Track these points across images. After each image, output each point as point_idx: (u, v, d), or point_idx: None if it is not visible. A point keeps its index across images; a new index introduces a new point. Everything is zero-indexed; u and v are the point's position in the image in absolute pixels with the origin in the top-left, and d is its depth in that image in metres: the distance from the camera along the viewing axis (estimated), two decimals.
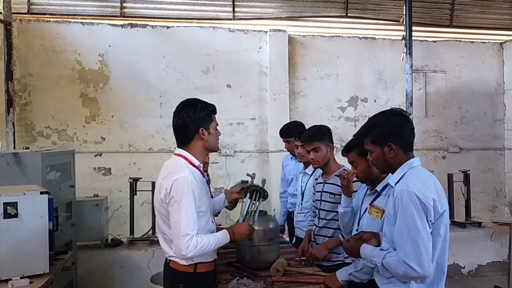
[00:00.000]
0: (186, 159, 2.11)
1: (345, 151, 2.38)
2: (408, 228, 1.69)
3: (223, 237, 2.12)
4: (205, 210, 2.11)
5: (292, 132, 3.70)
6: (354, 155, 2.30)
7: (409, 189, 1.71)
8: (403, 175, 1.82)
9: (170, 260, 2.12)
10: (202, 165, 2.18)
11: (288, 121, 4.02)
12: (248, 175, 2.54)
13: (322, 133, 2.79)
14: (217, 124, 2.22)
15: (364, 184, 2.41)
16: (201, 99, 2.21)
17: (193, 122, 2.10)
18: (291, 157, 3.90)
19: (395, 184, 1.82)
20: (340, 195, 2.68)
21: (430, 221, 1.70)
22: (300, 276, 2.45)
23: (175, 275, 2.10)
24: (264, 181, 2.57)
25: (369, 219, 2.21)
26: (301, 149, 3.28)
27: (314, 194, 2.96)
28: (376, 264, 1.82)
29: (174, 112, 2.16)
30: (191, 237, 1.95)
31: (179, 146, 2.17)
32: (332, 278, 2.19)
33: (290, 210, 3.88)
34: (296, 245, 3.23)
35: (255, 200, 2.40)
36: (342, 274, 2.18)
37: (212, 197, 3.35)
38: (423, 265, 1.67)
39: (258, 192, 2.39)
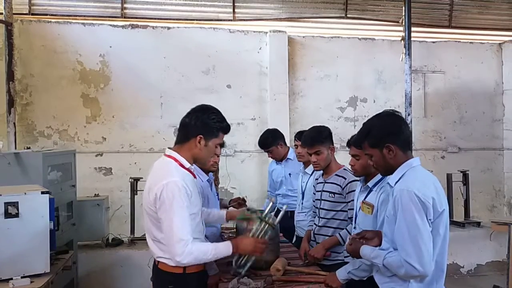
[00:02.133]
0: (176, 160, 2.05)
1: (352, 143, 2.36)
2: (408, 227, 1.70)
3: (223, 247, 2.05)
4: (196, 212, 2.05)
5: (272, 142, 3.81)
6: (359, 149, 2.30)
7: (409, 188, 1.72)
8: (403, 175, 1.83)
9: (158, 261, 2.07)
10: (193, 167, 2.12)
11: (266, 130, 4.10)
12: (253, 211, 2.43)
13: (324, 136, 2.79)
14: (221, 145, 2.13)
15: (358, 182, 2.43)
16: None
17: (198, 126, 2.05)
18: (276, 162, 4.00)
19: (395, 184, 1.83)
20: (340, 194, 2.71)
21: (430, 220, 1.72)
22: (300, 275, 2.47)
23: (164, 277, 2.06)
24: (279, 209, 2.53)
25: (363, 215, 2.24)
26: (301, 149, 3.31)
27: (314, 194, 2.99)
28: (378, 265, 1.83)
29: (190, 110, 2.12)
30: (186, 243, 1.90)
31: (175, 143, 2.13)
32: (332, 278, 2.21)
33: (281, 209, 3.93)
34: (296, 245, 3.25)
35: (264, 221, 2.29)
36: (341, 273, 2.20)
37: (217, 195, 3.35)
38: (424, 263, 1.68)
39: (267, 224, 2.28)
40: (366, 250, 1.92)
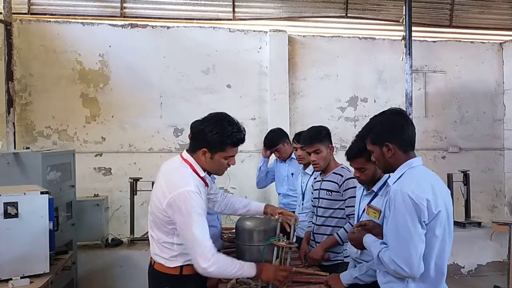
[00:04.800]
0: (192, 167, 2.03)
1: (353, 157, 2.28)
2: (399, 228, 1.71)
3: (248, 268, 2.00)
4: None
5: (279, 139, 3.80)
6: (363, 161, 2.23)
7: (403, 189, 1.72)
8: (401, 175, 1.82)
9: (155, 261, 2.06)
10: (206, 176, 2.11)
11: (270, 130, 4.10)
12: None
13: (322, 135, 2.79)
14: (232, 156, 2.06)
15: (356, 179, 2.41)
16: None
17: (202, 139, 2.01)
18: (280, 161, 3.99)
19: (393, 184, 1.83)
20: (338, 192, 2.70)
21: (424, 222, 1.71)
22: (300, 276, 2.46)
23: (160, 277, 2.04)
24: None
25: (368, 219, 2.22)
26: (301, 151, 3.30)
27: (312, 193, 2.98)
28: (373, 255, 1.85)
29: (204, 117, 2.07)
30: (210, 249, 1.90)
31: (189, 149, 2.10)
32: (335, 280, 2.20)
33: None
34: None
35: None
36: (346, 277, 2.18)
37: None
38: (412, 265, 1.69)
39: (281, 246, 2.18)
40: (369, 238, 1.93)
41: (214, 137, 1.98)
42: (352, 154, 2.29)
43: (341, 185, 2.71)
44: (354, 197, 2.54)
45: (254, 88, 5.51)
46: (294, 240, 2.21)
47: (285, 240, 2.15)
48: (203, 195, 2.02)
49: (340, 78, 5.78)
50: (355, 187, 2.58)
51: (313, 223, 2.90)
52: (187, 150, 2.10)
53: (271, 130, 4.07)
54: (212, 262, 1.89)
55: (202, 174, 2.06)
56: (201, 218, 1.92)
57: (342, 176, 2.72)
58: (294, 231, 2.19)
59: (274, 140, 3.85)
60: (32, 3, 5.07)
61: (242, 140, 2.06)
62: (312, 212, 3.00)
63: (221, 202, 2.44)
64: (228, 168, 2.16)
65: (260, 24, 5.58)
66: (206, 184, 2.13)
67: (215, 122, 2.01)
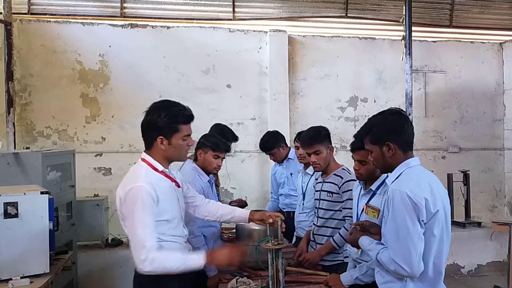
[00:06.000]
0: (149, 164, 1.99)
1: (358, 148, 2.27)
2: (398, 228, 1.71)
3: (194, 260, 1.90)
4: (169, 219, 1.96)
5: (273, 144, 3.82)
6: (367, 154, 2.16)
7: (401, 188, 1.73)
8: (400, 174, 1.83)
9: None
10: (167, 170, 2.04)
11: (266, 133, 4.10)
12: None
13: (322, 136, 2.78)
14: (189, 134, 2.03)
15: (357, 183, 2.41)
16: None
17: (154, 128, 1.98)
18: (276, 164, 4.02)
19: (391, 184, 1.83)
20: (338, 193, 2.71)
21: (423, 221, 1.71)
22: (300, 276, 2.46)
23: (143, 280, 1.94)
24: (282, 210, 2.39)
25: (367, 219, 2.22)
26: (302, 150, 3.30)
27: (314, 194, 2.98)
28: (372, 257, 1.85)
29: (145, 110, 2.04)
30: (148, 250, 1.81)
31: (146, 148, 2.06)
32: (335, 280, 2.20)
33: (284, 210, 3.92)
34: (296, 245, 3.24)
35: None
36: (346, 278, 2.18)
37: (218, 195, 3.30)
38: (412, 264, 1.69)
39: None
40: (364, 240, 1.93)
41: (165, 120, 1.95)
42: (358, 145, 2.27)
43: (340, 186, 2.71)
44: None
45: (254, 88, 5.51)
46: (282, 237, 2.19)
47: (272, 241, 2.11)
48: (162, 191, 1.93)
49: (340, 78, 5.78)
50: None
51: (313, 224, 2.91)
52: (144, 151, 2.06)
53: (267, 133, 4.06)
54: (147, 261, 1.80)
55: (161, 168, 1.99)
56: (145, 216, 1.84)
57: (342, 178, 2.72)
58: (281, 230, 2.17)
59: (269, 144, 3.86)
60: (32, 3, 5.07)
61: (191, 117, 2.03)
62: (314, 213, 3.00)
63: (202, 207, 2.32)
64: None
65: (260, 24, 5.58)
66: (172, 180, 2.04)
67: (159, 108, 2.01)
